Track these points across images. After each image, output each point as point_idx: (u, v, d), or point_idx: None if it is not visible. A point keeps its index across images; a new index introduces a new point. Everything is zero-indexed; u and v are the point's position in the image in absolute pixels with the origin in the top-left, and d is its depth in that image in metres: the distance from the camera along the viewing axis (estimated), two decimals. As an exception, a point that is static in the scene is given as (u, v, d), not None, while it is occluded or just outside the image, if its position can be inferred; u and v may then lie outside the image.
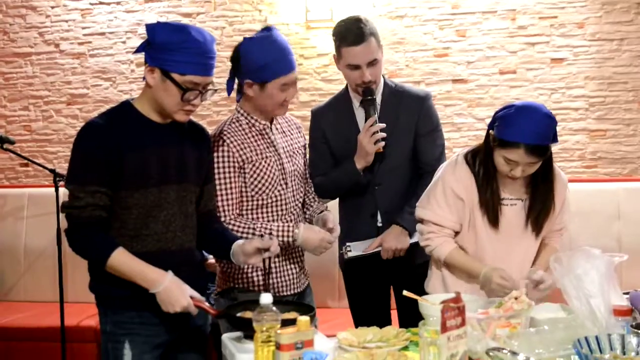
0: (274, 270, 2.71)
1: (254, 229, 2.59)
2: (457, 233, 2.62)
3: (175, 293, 2.21)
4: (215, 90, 2.32)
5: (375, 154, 2.85)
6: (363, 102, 2.88)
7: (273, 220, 2.69)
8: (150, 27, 2.24)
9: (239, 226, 2.60)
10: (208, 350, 3.65)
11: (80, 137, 2.25)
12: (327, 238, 2.65)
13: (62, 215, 2.29)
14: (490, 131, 2.49)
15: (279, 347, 1.87)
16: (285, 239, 2.62)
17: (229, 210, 2.59)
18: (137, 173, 2.24)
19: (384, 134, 2.80)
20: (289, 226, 2.64)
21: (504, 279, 2.45)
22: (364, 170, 2.88)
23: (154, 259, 2.25)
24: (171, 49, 2.19)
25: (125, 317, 2.31)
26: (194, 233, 2.42)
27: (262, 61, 2.56)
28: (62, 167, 4.84)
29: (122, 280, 2.24)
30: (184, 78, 2.21)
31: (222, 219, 2.58)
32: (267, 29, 2.64)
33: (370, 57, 2.84)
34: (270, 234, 2.59)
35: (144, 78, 2.29)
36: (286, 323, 1.98)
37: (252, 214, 2.66)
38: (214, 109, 4.84)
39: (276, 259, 2.69)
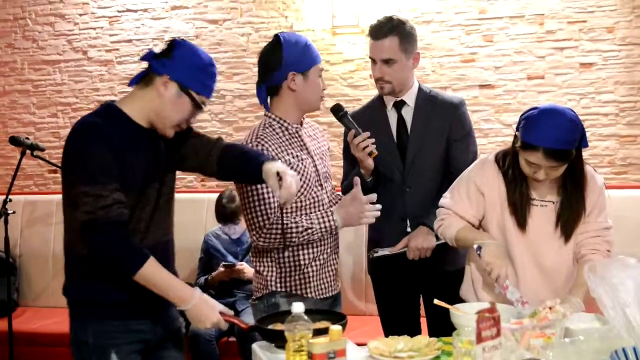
0: (313, 273, 2.68)
1: (296, 222, 2.57)
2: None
3: (204, 310, 2.21)
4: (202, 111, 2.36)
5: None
6: (338, 119, 2.85)
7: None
8: (179, 43, 2.27)
9: (284, 224, 2.57)
10: (235, 357, 3.68)
11: (85, 135, 2.18)
12: (360, 207, 2.59)
13: (86, 219, 2.22)
14: (516, 132, 2.47)
15: (311, 356, 1.86)
16: (328, 224, 2.60)
17: (271, 214, 2.57)
18: (132, 175, 2.22)
19: (371, 140, 2.76)
20: (326, 212, 2.62)
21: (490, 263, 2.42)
22: (373, 174, 2.88)
23: None
24: (198, 68, 2.25)
25: (110, 327, 2.25)
26: (172, 224, 2.41)
27: (302, 46, 2.62)
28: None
29: (105, 286, 2.21)
30: (200, 98, 2.26)
31: (264, 222, 2.55)
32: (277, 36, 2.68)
33: (384, 55, 2.89)
34: (312, 223, 2.58)
35: (131, 82, 2.28)
36: (318, 332, 1.97)
37: (290, 216, 2.64)
38: (240, 115, 4.86)
39: (316, 263, 2.68)
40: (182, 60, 2.23)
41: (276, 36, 2.65)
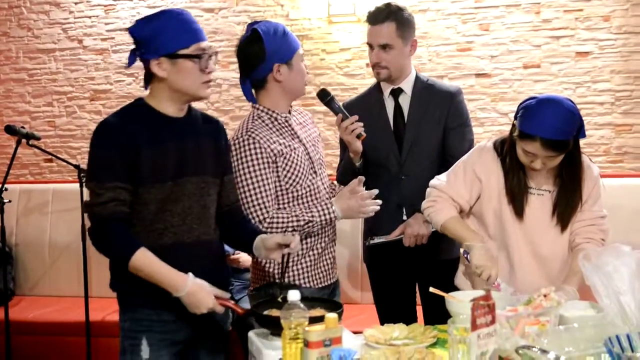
0: (310, 262, 2.69)
1: (297, 216, 2.57)
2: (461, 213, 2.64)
3: (199, 295, 2.21)
4: (216, 52, 2.35)
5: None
6: (325, 104, 2.85)
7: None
8: (134, 28, 2.26)
9: (282, 217, 2.57)
10: (233, 346, 3.68)
11: (96, 135, 2.26)
12: (360, 201, 2.59)
13: (86, 213, 2.29)
14: (514, 121, 2.48)
15: (307, 344, 1.87)
16: (328, 216, 2.60)
17: (269, 206, 2.56)
18: (154, 168, 2.24)
19: (359, 123, 2.77)
20: (326, 204, 2.61)
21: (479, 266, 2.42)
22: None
23: (170, 253, 2.25)
24: (165, 30, 2.22)
25: (143, 315, 2.32)
26: (212, 225, 2.41)
27: (281, 34, 2.60)
28: (86, 163, 4.86)
29: (141, 278, 2.24)
30: (191, 48, 2.24)
31: (264, 215, 2.55)
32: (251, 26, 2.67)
33: (381, 40, 2.91)
34: (313, 216, 2.58)
35: (146, 81, 2.30)
36: (314, 320, 1.98)
37: (288, 207, 2.64)
38: (237, 104, 4.84)
39: (313, 252, 2.69)
40: (149, 36, 2.23)
41: (253, 29, 2.62)
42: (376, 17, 2.92)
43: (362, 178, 2.63)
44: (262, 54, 2.59)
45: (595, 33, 4.38)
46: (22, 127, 4.17)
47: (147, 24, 2.24)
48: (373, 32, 2.94)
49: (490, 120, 4.55)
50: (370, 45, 2.96)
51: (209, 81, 2.30)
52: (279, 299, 2.27)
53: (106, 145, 2.22)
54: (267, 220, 2.55)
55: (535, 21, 4.45)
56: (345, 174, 2.96)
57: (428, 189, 2.67)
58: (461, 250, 2.50)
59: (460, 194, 2.60)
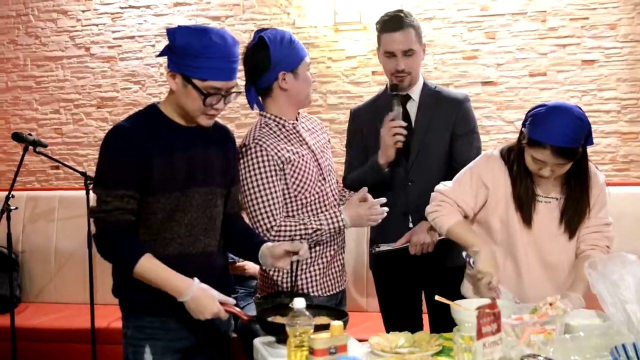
0: (319, 271, 2.68)
1: (305, 224, 2.57)
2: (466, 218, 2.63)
3: (203, 301, 2.20)
4: (239, 92, 2.30)
5: (399, 150, 2.86)
6: (393, 97, 2.88)
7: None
8: (170, 32, 2.22)
9: (291, 225, 2.56)
10: (237, 354, 3.68)
11: (107, 141, 2.24)
12: (369, 209, 2.60)
13: (92, 219, 2.30)
14: (523, 129, 2.48)
15: (312, 352, 1.87)
16: (336, 224, 2.60)
17: (277, 214, 2.56)
18: (164, 177, 2.24)
19: (404, 131, 2.80)
20: (335, 213, 2.61)
21: (481, 272, 2.42)
22: (390, 165, 2.90)
23: (174, 263, 2.24)
24: (192, 54, 2.17)
25: (146, 322, 2.31)
26: (217, 237, 2.41)
27: (288, 43, 2.59)
28: (92, 170, 4.84)
29: (145, 285, 2.23)
30: (205, 84, 2.20)
31: (271, 223, 2.54)
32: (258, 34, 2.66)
33: (406, 46, 2.90)
34: (321, 224, 2.58)
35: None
36: (319, 328, 1.98)
37: (296, 214, 2.63)
38: (242, 112, 4.85)
39: (322, 260, 2.68)
40: (179, 50, 2.20)
41: (260, 36, 2.62)
42: (397, 24, 2.90)
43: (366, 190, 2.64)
44: (268, 61, 2.59)
45: (602, 41, 4.38)
46: (29, 134, 4.19)
47: (185, 36, 2.19)
48: (396, 39, 2.90)
49: (496, 128, 4.55)
50: (392, 54, 2.92)
51: (212, 114, 2.28)
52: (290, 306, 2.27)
53: (117, 152, 2.21)
54: (275, 228, 2.54)
55: (541, 29, 4.46)
56: (366, 178, 2.90)
57: (433, 194, 2.68)
58: (464, 253, 2.50)
59: (465, 200, 2.60)
